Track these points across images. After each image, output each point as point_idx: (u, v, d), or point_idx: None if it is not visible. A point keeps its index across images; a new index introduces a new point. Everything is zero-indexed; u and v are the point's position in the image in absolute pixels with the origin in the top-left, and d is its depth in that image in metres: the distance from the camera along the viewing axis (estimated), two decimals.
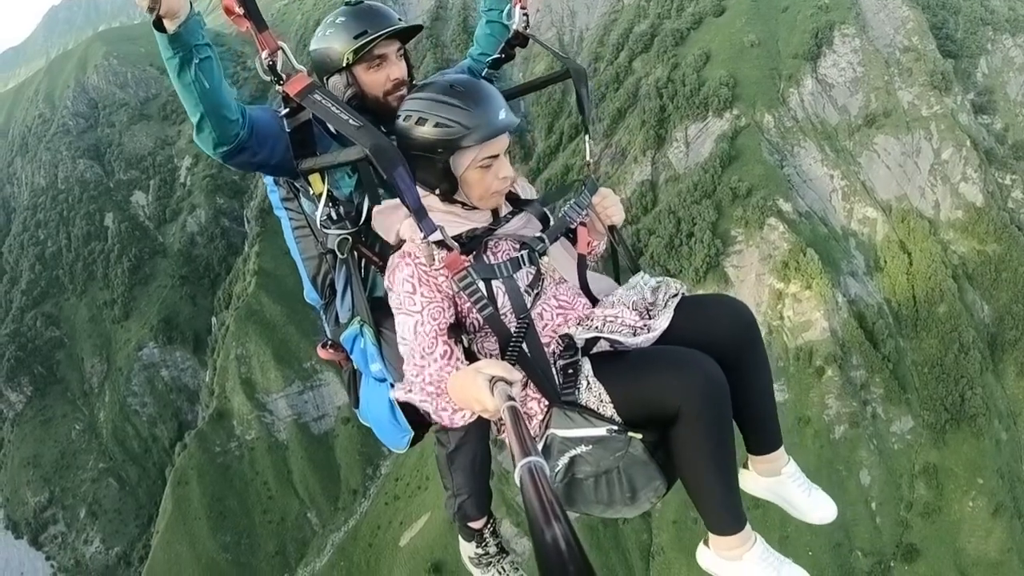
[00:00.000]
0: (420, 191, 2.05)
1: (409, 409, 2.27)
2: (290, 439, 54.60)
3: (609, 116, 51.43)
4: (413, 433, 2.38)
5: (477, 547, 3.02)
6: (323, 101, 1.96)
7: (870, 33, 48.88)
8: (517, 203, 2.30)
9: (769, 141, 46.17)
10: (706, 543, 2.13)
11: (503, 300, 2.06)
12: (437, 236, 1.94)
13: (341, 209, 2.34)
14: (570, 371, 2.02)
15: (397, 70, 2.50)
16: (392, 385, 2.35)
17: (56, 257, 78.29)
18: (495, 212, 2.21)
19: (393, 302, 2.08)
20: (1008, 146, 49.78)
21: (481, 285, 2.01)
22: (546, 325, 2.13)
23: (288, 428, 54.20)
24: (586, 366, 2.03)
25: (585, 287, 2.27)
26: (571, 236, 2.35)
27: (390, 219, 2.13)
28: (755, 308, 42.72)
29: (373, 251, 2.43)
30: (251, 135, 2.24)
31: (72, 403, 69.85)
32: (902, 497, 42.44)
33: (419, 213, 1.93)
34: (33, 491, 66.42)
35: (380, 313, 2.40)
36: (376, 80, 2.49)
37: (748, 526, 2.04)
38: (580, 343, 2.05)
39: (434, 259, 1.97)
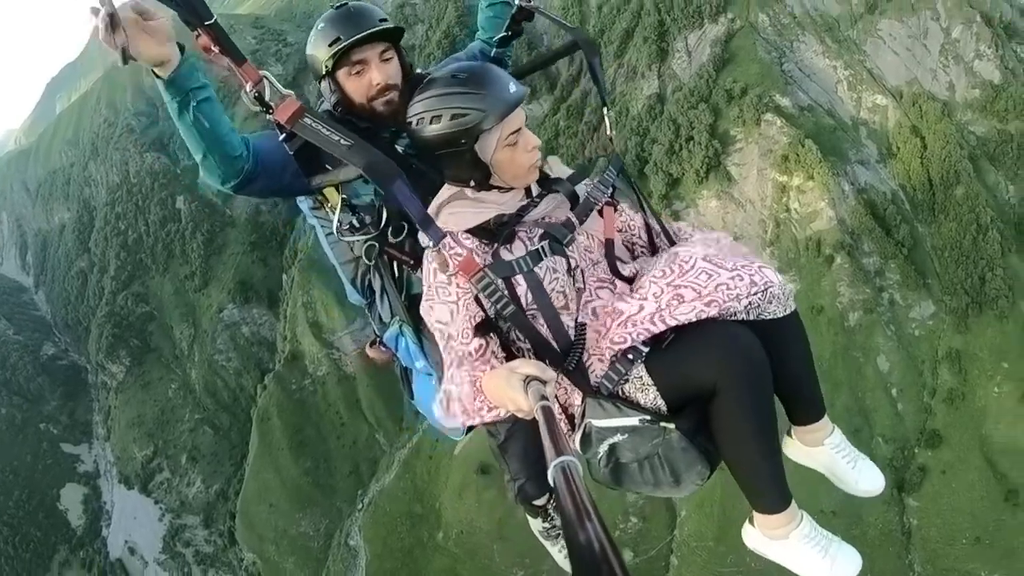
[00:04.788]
0: (449, 187, 2.29)
1: None
2: (357, 371, 64.12)
3: (618, 37, 56.83)
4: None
5: (544, 522, 3.23)
6: (313, 124, 2.08)
7: None
8: (546, 183, 2.38)
9: (766, 40, 50.24)
10: (751, 522, 2.27)
11: (526, 296, 2.18)
12: (447, 243, 2.13)
13: (363, 216, 2.50)
14: (630, 356, 2.11)
15: (379, 74, 2.61)
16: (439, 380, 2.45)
17: (138, 242, 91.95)
18: (528, 190, 2.34)
19: (428, 294, 2.22)
20: None
21: (501, 283, 2.13)
22: (593, 309, 2.23)
23: (354, 361, 63.66)
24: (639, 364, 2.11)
25: (615, 271, 2.35)
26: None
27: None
28: (760, 203, 48.39)
29: (403, 251, 2.56)
30: (256, 166, 2.41)
31: (166, 367, 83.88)
32: (925, 383, 44.70)
33: (424, 222, 2.09)
34: (139, 447, 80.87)
35: (418, 311, 2.43)
36: (358, 87, 2.63)
37: (794, 504, 2.17)
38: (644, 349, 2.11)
39: (447, 265, 2.13)
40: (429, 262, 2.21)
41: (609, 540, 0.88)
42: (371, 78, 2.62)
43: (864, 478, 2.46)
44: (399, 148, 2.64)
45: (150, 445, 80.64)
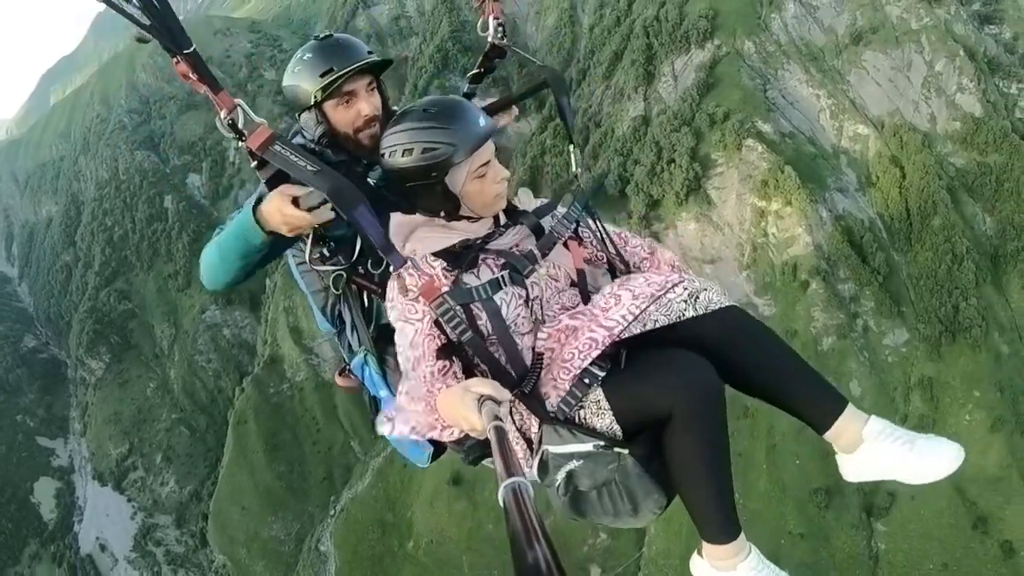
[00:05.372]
0: (420, 216, 2.38)
1: None
2: (335, 378, 65.00)
3: (607, 59, 57.86)
4: (433, 449, 2.59)
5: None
6: (282, 151, 2.17)
7: None
8: (514, 215, 2.47)
9: (750, 67, 51.22)
10: (700, 553, 2.23)
11: (484, 323, 2.22)
12: (408, 268, 2.19)
13: (333, 246, 2.53)
14: (586, 380, 2.13)
15: (367, 106, 2.68)
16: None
17: (123, 239, 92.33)
18: (496, 219, 2.43)
19: (393, 315, 2.28)
20: (1018, 55, 51.95)
21: (459, 309, 2.18)
22: (550, 336, 2.24)
23: (332, 368, 64.64)
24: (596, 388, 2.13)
25: (587, 302, 2.35)
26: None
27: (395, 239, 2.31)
28: (739, 227, 49.13)
29: (372, 281, 2.59)
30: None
31: (146, 365, 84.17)
32: (896, 410, 44.73)
33: (386, 248, 2.17)
34: (115, 444, 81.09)
35: (385, 342, 2.56)
36: (345, 117, 2.68)
37: (743, 536, 2.16)
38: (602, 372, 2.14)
39: (407, 290, 2.19)
40: (394, 289, 2.26)
41: (556, 562, 0.88)
42: (359, 109, 2.68)
43: (930, 456, 2.10)
44: (371, 180, 2.70)
45: (125, 443, 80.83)
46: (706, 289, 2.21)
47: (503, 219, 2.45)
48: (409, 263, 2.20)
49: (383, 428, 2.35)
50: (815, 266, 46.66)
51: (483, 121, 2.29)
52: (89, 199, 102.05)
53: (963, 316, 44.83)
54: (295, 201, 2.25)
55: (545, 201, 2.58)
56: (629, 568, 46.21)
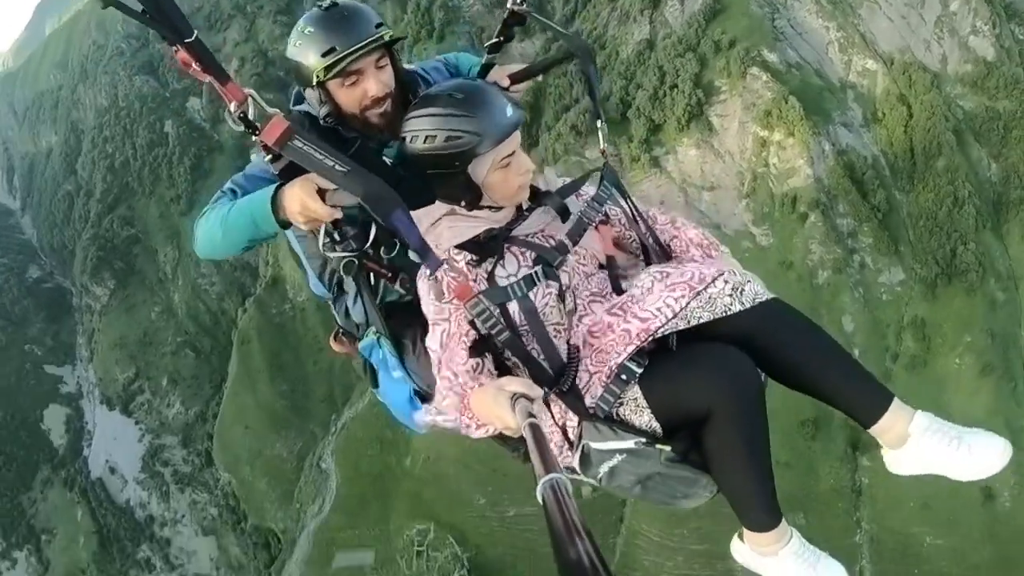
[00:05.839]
0: (441, 205, 2.34)
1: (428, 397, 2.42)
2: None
3: None
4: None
5: None
6: (304, 147, 2.03)
7: None
8: (536, 196, 2.43)
9: None
10: (740, 537, 2.32)
11: (520, 321, 2.23)
12: (443, 271, 2.15)
13: (345, 229, 2.40)
14: (623, 376, 2.13)
15: (375, 85, 2.52)
16: (416, 391, 2.50)
17: (125, 166, 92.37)
18: (518, 206, 2.39)
19: (424, 310, 2.29)
20: None
21: (495, 308, 2.18)
22: (589, 331, 2.22)
23: None
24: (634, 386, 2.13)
25: (617, 288, 2.36)
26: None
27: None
28: (740, 155, 49.48)
29: (382, 264, 2.52)
30: None
31: (150, 290, 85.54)
32: (888, 347, 45.83)
33: (422, 252, 2.10)
34: (121, 369, 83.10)
35: (395, 320, 2.55)
36: (352, 97, 2.54)
37: (783, 522, 2.23)
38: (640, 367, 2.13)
39: (443, 293, 2.18)
40: (427, 291, 2.26)
41: (599, 556, 0.89)
42: (366, 89, 2.54)
43: (979, 451, 2.10)
44: (387, 159, 2.62)
45: (132, 367, 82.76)
46: (750, 281, 2.23)
47: (526, 203, 2.45)
48: (445, 265, 2.19)
49: (424, 422, 2.41)
50: (815, 199, 46.93)
51: (510, 111, 2.27)
52: (89, 127, 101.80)
53: (960, 260, 45.16)
54: (320, 193, 2.18)
55: (568, 180, 2.56)
56: None
